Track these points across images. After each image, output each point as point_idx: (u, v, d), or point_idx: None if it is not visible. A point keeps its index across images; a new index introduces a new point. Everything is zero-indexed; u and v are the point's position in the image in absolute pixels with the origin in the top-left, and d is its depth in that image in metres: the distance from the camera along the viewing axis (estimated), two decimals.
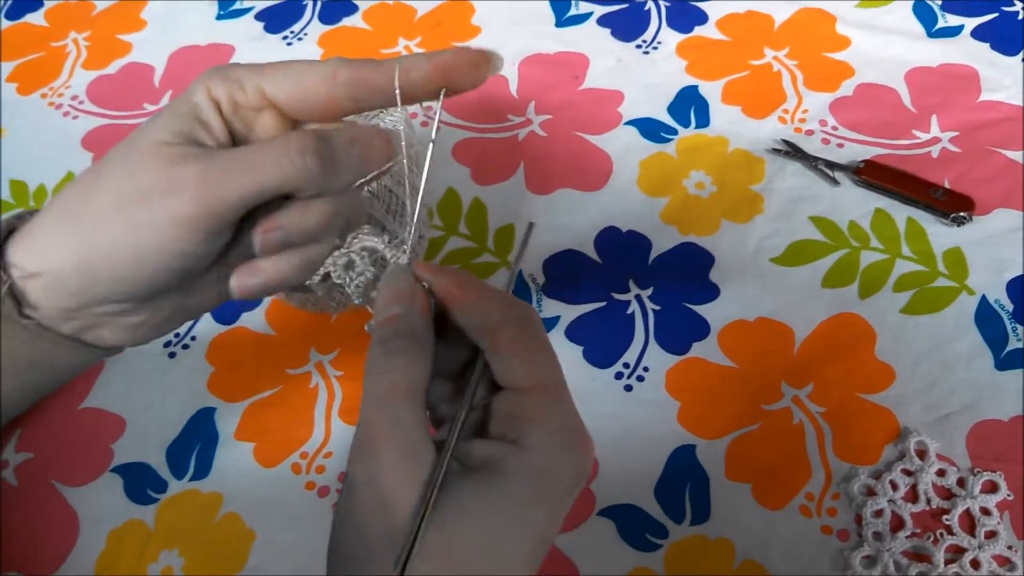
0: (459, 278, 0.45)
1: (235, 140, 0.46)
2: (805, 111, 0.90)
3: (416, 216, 0.48)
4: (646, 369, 0.72)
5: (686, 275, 0.78)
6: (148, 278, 0.45)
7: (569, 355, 0.73)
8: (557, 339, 0.74)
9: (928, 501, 0.63)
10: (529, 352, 0.43)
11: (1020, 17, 0.98)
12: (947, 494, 0.64)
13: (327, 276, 0.48)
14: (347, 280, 0.48)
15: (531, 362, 0.43)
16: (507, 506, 0.39)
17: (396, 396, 0.41)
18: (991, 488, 0.64)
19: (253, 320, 0.77)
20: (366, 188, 0.63)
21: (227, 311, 0.78)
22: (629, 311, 0.75)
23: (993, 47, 0.95)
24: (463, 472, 0.41)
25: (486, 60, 0.46)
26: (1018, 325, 0.72)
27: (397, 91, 0.45)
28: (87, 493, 0.68)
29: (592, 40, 1.01)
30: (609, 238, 0.81)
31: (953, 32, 0.97)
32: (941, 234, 0.78)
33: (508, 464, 0.40)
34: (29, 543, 0.66)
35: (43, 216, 0.46)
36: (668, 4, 1.04)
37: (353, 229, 0.49)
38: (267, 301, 0.78)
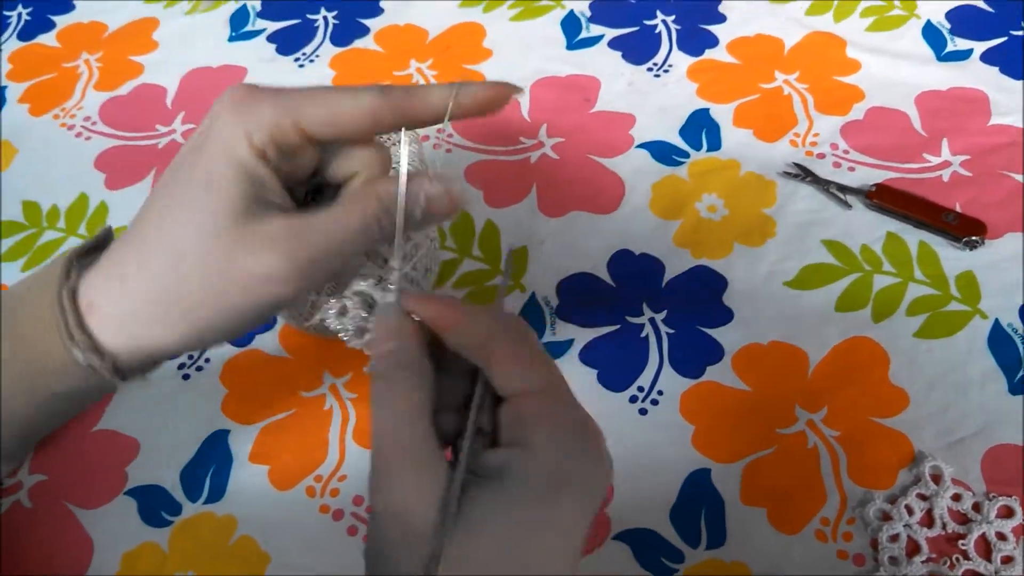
0: (446, 303, 0.46)
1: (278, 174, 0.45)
2: (816, 134, 0.90)
3: (405, 251, 0.47)
4: (660, 393, 0.72)
5: (700, 298, 0.78)
6: (234, 334, 0.47)
7: (583, 378, 0.73)
8: (571, 362, 0.74)
9: (944, 526, 0.63)
10: (523, 358, 0.44)
11: None
12: (963, 519, 0.64)
13: (322, 321, 0.49)
14: (341, 326, 0.48)
15: (527, 367, 0.44)
16: (523, 507, 0.40)
17: (402, 422, 0.42)
18: (1007, 513, 0.64)
19: (267, 342, 0.77)
20: None
21: None
22: (643, 334, 0.76)
23: (1002, 71, 0.95)
24: (479, 481, 0.42)
25: (512, 92, 0.47)
26: None
27: (447, 119, 0.45)
28: (101, 516, 0.68)
29: (603, 63, 1.01)
30: (622, 261, 0.81)
31: (962, 56, 0.97)
32: (953, 258, 0.79)
33: (516, 468, 0.41)
34: (43, 565, 0.66)
35: (124, 300, 0.45)
36: (679, 27, 1.05)
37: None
38: (280, 323, 0.78)
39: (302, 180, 0.47)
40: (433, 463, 0.41)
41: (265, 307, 0.44)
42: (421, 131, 0.94)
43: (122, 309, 0.44)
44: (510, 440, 0.43)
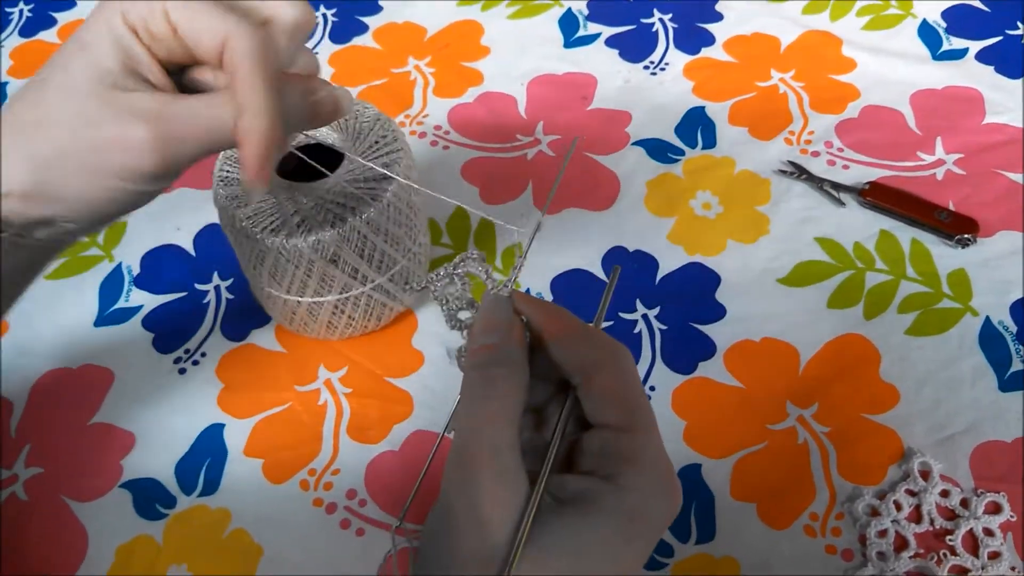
0: (558, 314, 0.45)
1: (162, 60, 0.46)
2: (811, 132, 0.91)
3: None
4: (652, 388, 0.72)
5: (693, 295, 0.78)
6: (109, 207, 0.47)
7: None
8: None
9: (932, 521, 0.64)
10: (624, 393, 0.43)
11: None
12: (951, 515, 0.64)
13: (428, 286, 0.49)
14: (443, 299, 0.48)
15: (626, 403, 0.43)
16: (598, 541, 0.40)
17: (495, 422, 0.41)
18: (994, 509, 0.64)
19: (263, 337, 0.78)
20: (337, 230, 0.63)
21: (237, 328, 0.78)
22: (636, 330, 0.76)
23: (997, 70, 0.95)
24: (555, 504, 0.41)
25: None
26: (1021, 346, 0.72)
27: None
28: (96, 508, 0.69)
29: (600, 61, 1.01)
30: (616, 257, 0.81)
31: (958, 55, 0.98)
32: (945, 255, 0.79)
33: (603, 501, 0.40)
34: (38, 557, 0.66)
35: None
36: (676, 25, 1.05)
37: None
38: (274, 321, 0.78)
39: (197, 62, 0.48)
40: (516, 473, 0.40)
41: (125, 177, 0.45)
42: (417, 130, 0.94)
43: None
44: (594, 469, 0.42)
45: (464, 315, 0.49)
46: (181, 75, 0.48)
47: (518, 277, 0.47)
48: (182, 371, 0.76)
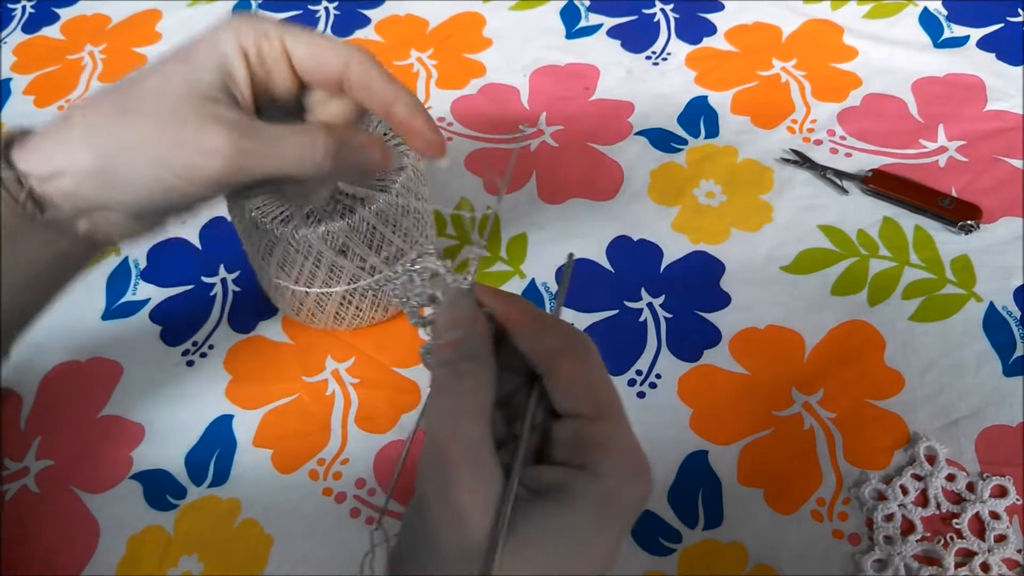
0: (520, 304, 0.46)
1: (254, 87, 0.49)
2: (813, 121, 0.91)
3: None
4: (658, 376, 0.73)
5: (697, 283, 0.78)
6: (161, 204, 0.49)
7: None
8: None
9: (938, 505, 0.64)
10: (590, 380, 0.44)
11: None
12: (957, 498, 0.65)
13: (386, 284, 0.49)
14: (404, 298, 0.49)
15: (593, 390, 0.43)
16: (575, 530, 0.40)
17: (467, 417, 0.41)
18: (1000, 492, 0.64)
19: (270, 329, 0.78)
20: (346, 221, 0.63)
21: (244, 320, 0.79)
22: (641, 319, 0.76)
23: (999, 57, 0.96)
24: (532, 496, 0.41)
25: (440, 151, 0.52)
26: None
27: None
28: (107, 500, 0.69)
29: (602, 52, 1.02)
30: (621, 247, 0.82)
31: (959, 42, 0.98)
32: (949, 242, 0.79)
33: (577, 489, 0.41)
34: (50, 549, 0.67)
35: (64, 130, 0.48)
36: (677, 16, 1.05)
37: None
38: (281, 312, 0.78)
39: (274, 100, 0.51)
40: (491, 466, 0.41)
41: (190, 177, 0.47)
42: None
43: (52, 141, 0.48)
44: (568, 459, 0.43)
45: (427, 312, 0.49)
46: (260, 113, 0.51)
47: (475, 272, 0.48)
48: (190, 363, 0.76)
